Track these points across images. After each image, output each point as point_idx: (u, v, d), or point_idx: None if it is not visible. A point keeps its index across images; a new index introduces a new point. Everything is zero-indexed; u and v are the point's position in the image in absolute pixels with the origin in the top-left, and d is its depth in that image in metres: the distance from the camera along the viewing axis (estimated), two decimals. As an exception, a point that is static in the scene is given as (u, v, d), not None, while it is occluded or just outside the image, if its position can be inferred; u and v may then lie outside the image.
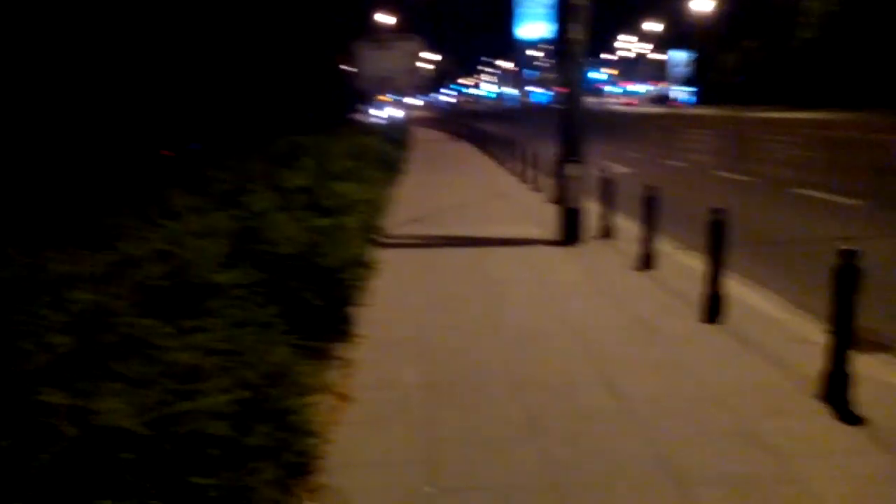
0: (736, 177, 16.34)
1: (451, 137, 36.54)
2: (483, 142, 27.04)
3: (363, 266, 6.20)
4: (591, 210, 9.66)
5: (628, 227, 9.54)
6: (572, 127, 8.97)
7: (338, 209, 7.00)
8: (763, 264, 8.02)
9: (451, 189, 15.57)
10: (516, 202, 13.21)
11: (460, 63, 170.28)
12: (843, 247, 4.13)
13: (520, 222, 10.92)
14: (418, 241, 9.72)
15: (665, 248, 8.40)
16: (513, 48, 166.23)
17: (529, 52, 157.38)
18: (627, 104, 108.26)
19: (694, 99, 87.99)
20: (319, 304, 5.16)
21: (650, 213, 7.63)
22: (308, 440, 3.53)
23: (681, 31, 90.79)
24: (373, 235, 7.84)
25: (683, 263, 7.86)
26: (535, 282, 7.47)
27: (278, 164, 9.58)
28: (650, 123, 52.04)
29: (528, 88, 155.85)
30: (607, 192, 9.35)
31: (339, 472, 3.66)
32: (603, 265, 8.08)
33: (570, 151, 8.99)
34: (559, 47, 9.10)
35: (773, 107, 61.40)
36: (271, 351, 3.73)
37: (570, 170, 8.95)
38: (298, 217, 6.21)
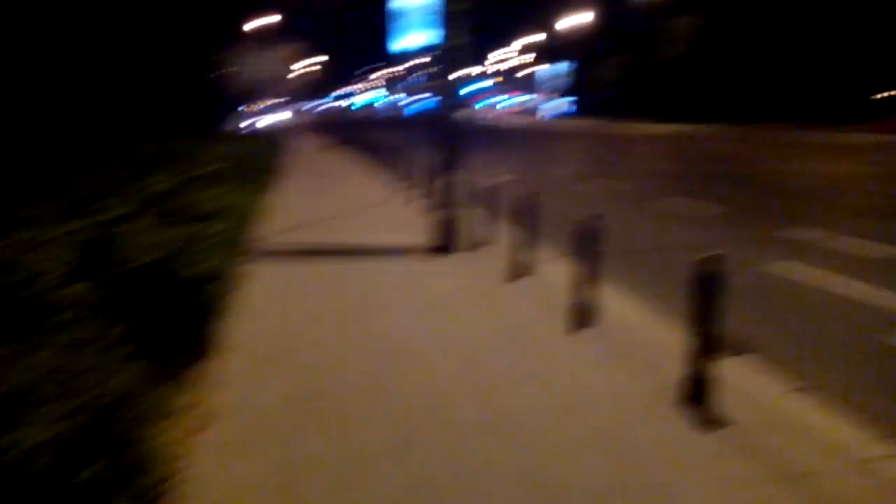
0: (608, 185, 16.89)
1: (332, 144, 36.09)
2: (365, 149, 26.84)
3: (229, 277, 5.91)
4: (470, 218, 9.67)
5: (505, 235, 9.62)
6: (451, 135, 8.96)
7: (203, 217, 6.67)
8: (631, 272, 8.25)
9: (329, 197, 15.30)
10: (395, 210, 13.11)
11: (346, 69, 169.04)
12: (705, 254, 4.24)
13: (397, 231, 10.82)
14: (292, 252, 9.43)
15: (540, 256, 8.50)
16: (398, 55, 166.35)
17: (415, 61, 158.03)
18: (507, 114, 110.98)
19: (574, 109, 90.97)
20: (178, 320, 4.85)
21: (526, 221, 7.70)
22: (157, 469, 3.26)
23: (560, 43, 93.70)
24: (242, 245, 7.52)
25: (557, 272, 7.96)
26: (409, 293, 7.37)
27: (141, 169, 9.07)
28: (530, 133, 53.35)
29: (406, 97, 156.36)
30: (485, 201, 9.41)
31: (193, 501, 3.40)
32: (478, 274, 8.08)
33: (449, 160, 8.97)
34: (440, 55, 9.06)
35: (645, 119, 64.34)
36: (115, 373, 3.43)
37: (448, 178, 8.92)
38: (158, 225, 5.85)
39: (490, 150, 33.26)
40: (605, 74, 77.97)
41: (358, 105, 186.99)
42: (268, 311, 6.63)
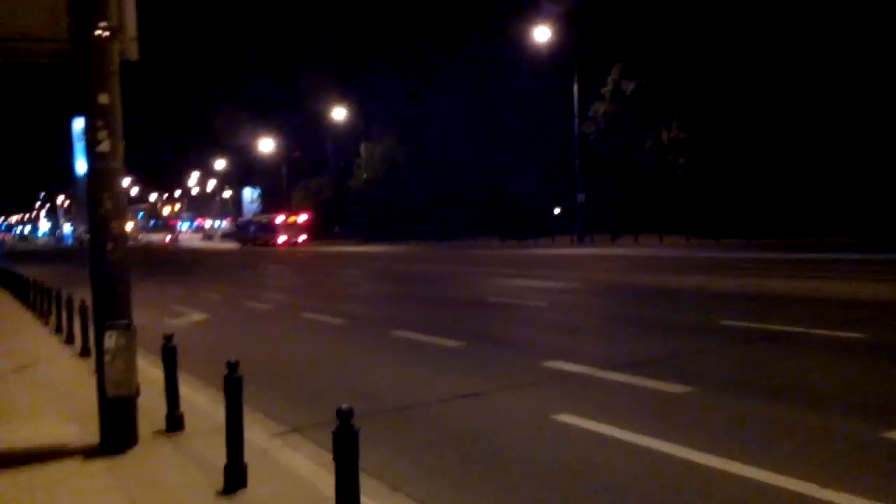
0: (327, 319, 14.63)
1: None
2: (22, 289, 21.70)
3: None
4: (155, 383, 6.82)
5: (208, 406, 6.91)
6: (113, 275, 6.08)
7: None
8: (400, 452, 5.97)
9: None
10: (49, 377, 9.43)
11: (11, 199, 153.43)
12: None
13: (43, 415, 7.36)
14: None
15: (260, 438, 5.94)
16: (74, 182, 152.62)
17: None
18: (202, 236, 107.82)
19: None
20: None
21: (236, 398, 5.07)
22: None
23: (249, 169, 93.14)
24: None
25: (290, 468, 5.40)
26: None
27: None
28: (228, 260, 50.02)
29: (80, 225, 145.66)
30: (174, 360, 6.53)
31: None
32: (169, 491, 5.14)
33: (111, 310, 6.03)
34: (90, 169, 6.27)
35: (345, 241, 64.57)
36: None
37: (113, 339, 5.95)
38: None
39: (190, 277, 29.61)
40: (298, 198, 77.73)
41: (43, 233, 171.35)
42: None
